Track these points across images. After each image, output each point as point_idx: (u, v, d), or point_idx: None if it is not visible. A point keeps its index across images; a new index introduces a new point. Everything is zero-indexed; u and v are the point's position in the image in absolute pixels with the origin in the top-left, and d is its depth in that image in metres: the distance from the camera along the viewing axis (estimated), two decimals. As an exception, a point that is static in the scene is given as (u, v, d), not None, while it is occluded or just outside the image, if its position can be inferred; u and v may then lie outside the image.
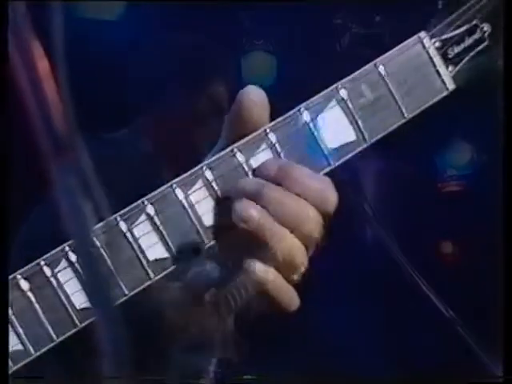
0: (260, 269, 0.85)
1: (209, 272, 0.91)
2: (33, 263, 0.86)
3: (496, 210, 0.96)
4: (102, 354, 0.56)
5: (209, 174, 0.88)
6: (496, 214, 0.97)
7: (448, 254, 4.62)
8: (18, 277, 0.85)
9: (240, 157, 0.88)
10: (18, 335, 0.84)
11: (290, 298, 0.88)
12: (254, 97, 0.88)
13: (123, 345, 0.56)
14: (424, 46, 0.91)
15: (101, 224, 0.83)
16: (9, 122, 0.85)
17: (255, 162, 0.89)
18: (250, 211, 0.83)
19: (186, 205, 0.87)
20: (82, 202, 0.59)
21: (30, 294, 0.84)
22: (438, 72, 0.91)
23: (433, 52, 0.90)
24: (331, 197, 0.87)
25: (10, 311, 0.84)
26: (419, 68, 0.91)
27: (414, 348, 4.16)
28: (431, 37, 0.90)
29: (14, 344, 0.84)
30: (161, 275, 0.87)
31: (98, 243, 0.80)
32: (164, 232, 0.87)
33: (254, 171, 0.88)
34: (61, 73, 0.58)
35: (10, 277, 0.85)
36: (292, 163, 0.88)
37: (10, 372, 0.84)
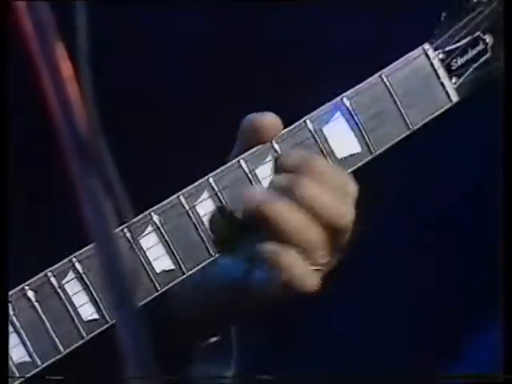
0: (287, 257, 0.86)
1: (226, 271, 0.91)
2: (40, 274, 0.86)
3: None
4: (124, 354, 0.56)
5: (214, 185, 0.89)
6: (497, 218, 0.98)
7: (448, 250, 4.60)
8: (26, 288, 0.85)
9: (246, 167, 0.89)
10: (25, 346, 0.84)
11: (314, 285, 0.89)
12: (270, 122, 0.89)
13: (146, 345, 0.56)
14: (428, 58, 0.91)
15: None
16: (8, 121, 0.86)
17: (261, 172, 0.89)
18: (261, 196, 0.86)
19: (192, 216, 0.88)
20: (104, 204, 0.59)
21: (37, 305, 0.84)
22: (442, 84, 0.92)
23: (437, 64, 0.91)
24: (353, 188, 0.88)
25: (17, 322, 0.84)
26: (423, 80, 0.92)
27: (413, 347, 4.14)
28: (435, 48, 0.91)
29: (21, 356, 0.84)
30: (167, 287, 0.88)
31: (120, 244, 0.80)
32: (170, 243, 0.87)
33: (276, 160, 0.89)
34: (84, 74, 0.58)
35: (19, 288, 0.85)
36: (314, 156, 0.89)
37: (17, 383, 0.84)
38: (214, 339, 1.00)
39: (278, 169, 0.88)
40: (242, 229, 0.88)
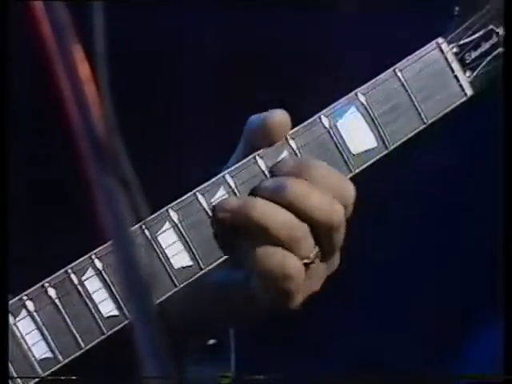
0: (288, 264, 0.86)
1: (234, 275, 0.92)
2: (60, 271, 0.87)
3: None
4: (141, 354, 0.56)
5: (231, 181, 0.89)
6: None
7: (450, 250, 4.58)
8: (46, 284, 0.86)
9: (262, 164, 0.89)
10: (47, 342, 0.85)
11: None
12: (280, 120, 0.89)
13: (162, 345, 0.56)
14: (442, 52, 0.91)
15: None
16: (7, 121, 0.86)
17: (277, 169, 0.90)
18: (269, 211, 0.86)
19: (209, 212, 0.88)
20: (121, 204, 0.60)
21: (57, 302, 0.85)
22: (456, 77, 0.92)
23: (451, 57, 0.90)
24: (350, 191, 0.88)
25: (39, 319, 0.85)
26: (438, 74, 0.91)
27: (414, 348, 4.13)
28: (449, 42, 0.91)
29: (43, 352, 0.85)
30: (186, 283, 0.88)
31: (137, 243, 0.81)
32: (188, 239, 0.88)
33: (272, 168, 0.89)
34: (101, 75, 0.59)
35: (38, 285, 0.86)
36: (310, 159, 0.89)
37: (37, 380, 0.85)
38: (211, 341, 1.01)
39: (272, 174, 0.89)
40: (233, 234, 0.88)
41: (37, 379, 0.84)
